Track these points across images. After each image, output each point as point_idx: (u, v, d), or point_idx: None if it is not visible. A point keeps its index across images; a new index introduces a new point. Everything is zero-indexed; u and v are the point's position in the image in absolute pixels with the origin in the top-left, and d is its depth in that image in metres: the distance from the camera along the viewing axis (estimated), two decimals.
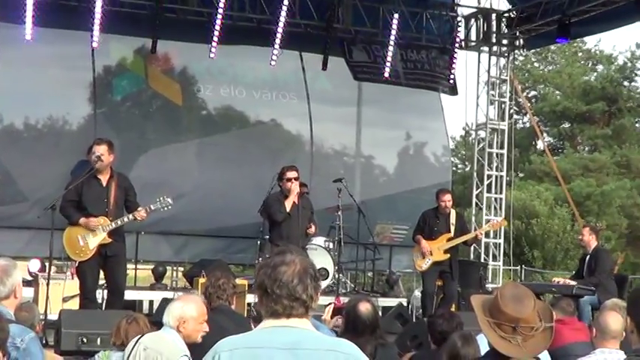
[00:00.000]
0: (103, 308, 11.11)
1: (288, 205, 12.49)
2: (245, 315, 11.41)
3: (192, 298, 6.71)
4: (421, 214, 14.20)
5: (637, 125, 45.41)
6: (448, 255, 13.72)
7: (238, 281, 10.29)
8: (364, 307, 6.76)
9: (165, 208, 11.02)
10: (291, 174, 12.63)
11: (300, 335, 3.60)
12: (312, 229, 12.88)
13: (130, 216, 10.73)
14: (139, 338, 6.33)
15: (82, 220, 10.60)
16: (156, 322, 10.16)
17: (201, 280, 12.89)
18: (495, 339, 4.24)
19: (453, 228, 13.79)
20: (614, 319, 6.62)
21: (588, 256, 13.35)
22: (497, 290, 4.34)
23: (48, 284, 11.28)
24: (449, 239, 13.71)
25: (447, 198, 13.81)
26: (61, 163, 14.58)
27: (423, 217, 14.09)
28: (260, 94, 17.98)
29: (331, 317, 7.12)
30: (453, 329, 7.29)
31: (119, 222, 10.72)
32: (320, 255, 13.65)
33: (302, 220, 12.54)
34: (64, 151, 15.52)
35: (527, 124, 42.43)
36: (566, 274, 17.99)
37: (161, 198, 10.96)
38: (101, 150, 10.67)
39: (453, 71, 18.42)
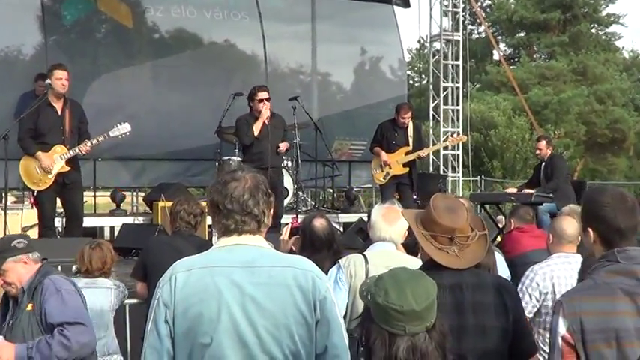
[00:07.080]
0: (62, 236, 11.12)
1: (257, 126, 12.39)
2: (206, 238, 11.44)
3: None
4: (378, 126, 14.13)
5: (592, 31, 45.48)
6: (407, 169, 13.72)
7: None
8: (319, 223, 6.74)
9: (124, 135, 10.99)
10: (262, 94, 12.46)
11: (256, 252, 3.62)
12: (282, 148, 12.73)
13: (77, 149, 10.67)
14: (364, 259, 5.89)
15: (39, 154, 10.55)
16: (119, 247, 10.18)
17: (161, 204, 12.87)
18: (433, 251, 4.27)
19: (411, 141, 13.77)
20: (569, 224, 6.71)
21: (544, 164, 13.51)
22: (428, 203, 4.35)
23: (5, 214, 11.22)
24: (407, 152, 13.70)
25: (408, 115, 13.70)
26: (13, 93, 14.28)
27: (381, 130, 13.99)
28: (211, 14, 17.67)
29: (289, 237, 7.09)
30: (409, 241, 7.27)
31: (77, 150, 10.69)
32: None
33: (273, 140, 12.40)
34: (16, 80, 15.21)
35: (483, 35, 42.41)
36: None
37: (119, 124, 10.92)
38: (66, 74, 10.70)
39: None
